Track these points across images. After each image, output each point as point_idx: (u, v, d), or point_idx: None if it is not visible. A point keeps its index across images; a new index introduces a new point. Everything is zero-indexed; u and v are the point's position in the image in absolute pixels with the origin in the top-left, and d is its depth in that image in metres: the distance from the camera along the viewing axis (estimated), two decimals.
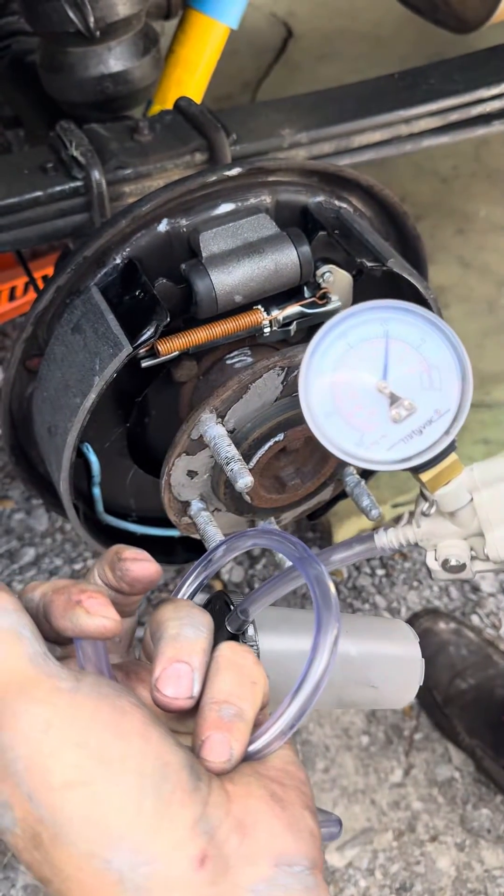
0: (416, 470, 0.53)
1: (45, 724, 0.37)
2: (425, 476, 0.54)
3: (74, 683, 0.38)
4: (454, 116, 1.20)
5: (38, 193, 0.97)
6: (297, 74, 2.46)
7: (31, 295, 1.88)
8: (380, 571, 1.64)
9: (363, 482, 1.02)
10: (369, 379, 0.53)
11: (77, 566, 1.71)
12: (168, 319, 0.79)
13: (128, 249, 0.84)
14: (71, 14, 1.03)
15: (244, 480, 0.82)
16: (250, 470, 0.90)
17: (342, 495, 1.13)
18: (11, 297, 1.97)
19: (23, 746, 0.37)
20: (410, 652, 0.68)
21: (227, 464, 0.83)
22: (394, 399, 0.52)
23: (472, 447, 1.69)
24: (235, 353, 0.96)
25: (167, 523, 1.03)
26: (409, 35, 2.40)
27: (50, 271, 1.78)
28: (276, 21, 2.67)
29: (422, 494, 0.57)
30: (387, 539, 0.58)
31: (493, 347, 1.85)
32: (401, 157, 1.24)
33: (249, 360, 0.96)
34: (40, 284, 1.81)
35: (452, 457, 0.54)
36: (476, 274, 2.01)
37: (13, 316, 2.03)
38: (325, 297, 0.91)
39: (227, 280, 0.83)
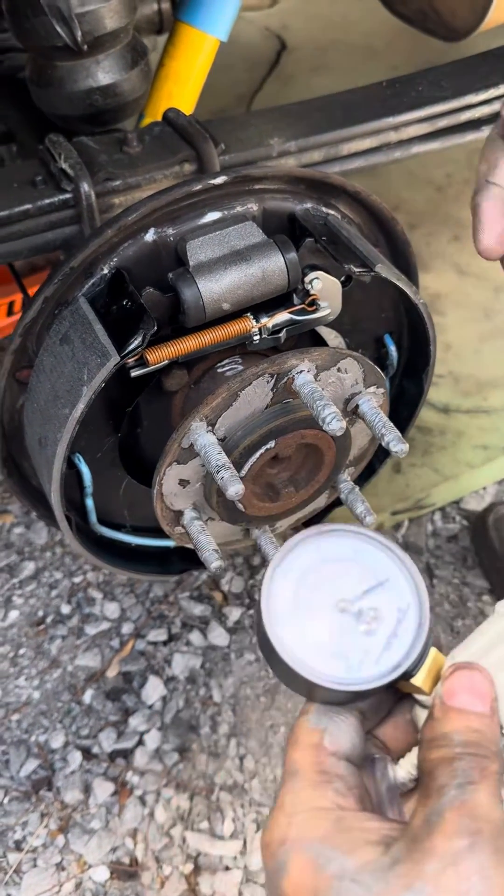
0: (407, 675, 0.53)
1: None
2: (418, 678, 0.53)
3: None
4: (443, 122, 1.20)
5: (28, 206, 0.98)
6: (291, 87, 2.47)
7: None
8: None
9: (357, 488, 1.02)
10: (327, 603, 0.54)
11: (77, 579, 1.71)
12: (155, 328, 0.79)
13: (115, 259, 0.84)
14: (58, 28, 1.04)
15: (235, 488, 0.81)
16: (242, 478, 0.90)
17: (338, 502, 1.12)
18: (10, 313, 1.97)
19: None
20: None
21: (218, 472, 0.83)
22: (358, 613, 0.53)
23: (471, 453, 1.68)
24: (226, 361, 0.96)
25: (162, 533, 1.02)
26: (402, 46, 2.41)
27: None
28: (270, 34, 2.69)
29: (418, 704, 0.56)
30: (403, 772, 0.56)
31: (490, 353, 1.85)
32: (395, 166, 1.24)
33: (240, 368, 0.96)
34: None
35: (432, 651, 0.54)
36: (472, 280, 2.01)
37: (5, 335, 2.04)
38: (314, 304, 0.91)
39: (214, 288, 0.83)
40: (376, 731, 0.58)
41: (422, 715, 0.56)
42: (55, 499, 0.87)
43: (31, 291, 1.75)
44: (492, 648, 0.54)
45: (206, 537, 0.91)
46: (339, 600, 0.54)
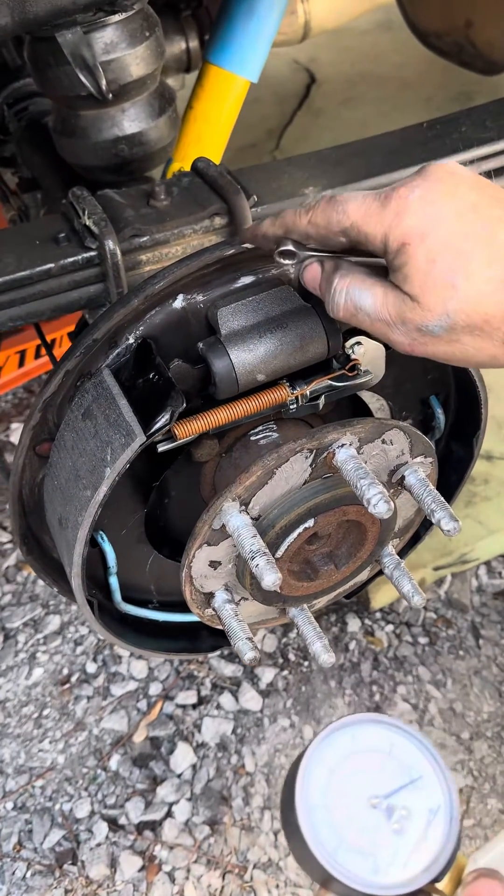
0: (434, 881, 0.53)
1: None
2: (442, 883, 0.54)
3: None
4: (489, 165, 1.13)
5: (50, 265, 0.93)
6: (321, 120, 2.42)
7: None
8: (422, 640, 1.54)
9: (403, 563, 0.94)
10: (359, 796, 0.55)
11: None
12: (184, 405, 0.73)
13: (141, 328, 0.78)
14: (82, 77, 0.99)
15: (271, 578, 0.74)
16: (278, 559, 0.82)
17: (380, 572, 1.04)
18: (37, 355, 1.94)
19: None
20: None
21: (252, 558, 0.76)
22: (389, 810, 0.54)
23: None
24: (260, 428, 0.90)
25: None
26: (433, 77, 2.35)
27: (64, 329, 1.75)
28: (299, 67, 2.66)
29: None
30: None
31: None
32: None
33: (275, 435, 0.90)
34: (58, 341, 1.78)
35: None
36: None
37: (40, 373, 2.00)
38: (355, 369, 0.84)
39: (248, 358, 0.76)
40: None
41: None
42: (76, 584, 0.81)
43: (55, 335, 1.70)
44: None
45: (240, 624, 0.84)
46: (370, 795, 0.55)
